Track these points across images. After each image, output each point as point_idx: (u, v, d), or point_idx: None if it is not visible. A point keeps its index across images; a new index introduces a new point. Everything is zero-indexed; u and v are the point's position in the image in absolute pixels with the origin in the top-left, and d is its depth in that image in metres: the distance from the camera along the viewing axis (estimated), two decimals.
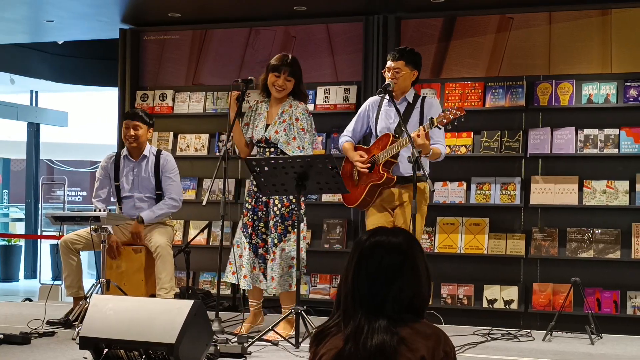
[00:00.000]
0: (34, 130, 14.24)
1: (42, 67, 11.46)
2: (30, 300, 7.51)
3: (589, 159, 6.64)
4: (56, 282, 6.48)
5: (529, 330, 5.52)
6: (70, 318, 5.41)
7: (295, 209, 5.16)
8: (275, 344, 4.81)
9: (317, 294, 7.07)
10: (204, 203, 5.41)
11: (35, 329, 5.09)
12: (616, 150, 6.53)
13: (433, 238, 6.86)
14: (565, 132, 6.66)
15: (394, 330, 2.23)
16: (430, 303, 2.40)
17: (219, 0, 7.36)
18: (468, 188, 6.87)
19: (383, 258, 2.31)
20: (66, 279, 5.74)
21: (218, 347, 4.36)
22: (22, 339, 4.75)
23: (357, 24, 7.24)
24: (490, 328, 5.56)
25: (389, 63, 5.32)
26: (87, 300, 5.19)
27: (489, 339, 5.29)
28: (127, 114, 6.18)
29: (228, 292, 7.16)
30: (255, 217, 5.37)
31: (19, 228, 16.25)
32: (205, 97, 7.66)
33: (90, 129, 19.24)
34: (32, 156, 14.13)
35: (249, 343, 4.62)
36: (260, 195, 5.29)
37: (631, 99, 6.53)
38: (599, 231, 6.55)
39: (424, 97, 5.42)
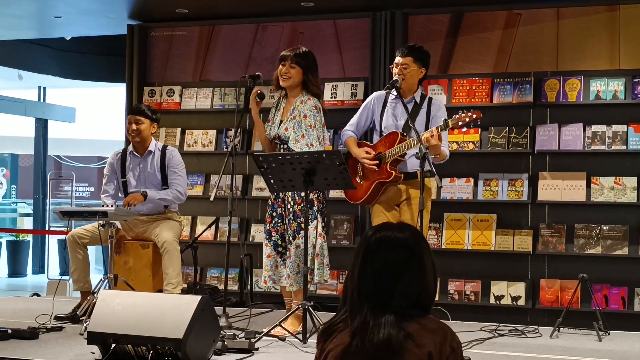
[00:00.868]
0: (41, 126, 14.28)
1: (49, 63, 11.48)
2: (38, 295, 7.54)
3: (597, 156, 6.63)
4: (64, 278, 6.50)
5: (536, 327, 5.51)
6: (77, 313, 5.43)
7: (304, 206, 5.18)
8: (283, 339, 4.82)
9: (324, 289, 7.08)
10: (211, 199, 5.43)
11: (43, 324, 5.10)
12: (624, 147, 6.51)
13: (440, 234, 6.85)
14: (573, 129, 6.65)
15: (400, 326, 2.23)
16: (437, 299, 2.41)
17: None
18: (475, 184, 6.86)
19: (389, 254, 2.31)
20: (73, 273, 5.76)
21: (225, 343, 4.37)
22: (30, 334, 4.77)
23: (365, 20, 7.24)
24: (497, 324, 5.56)
25: (397, 59, 5.31)
26: (95, 295, 5.20)
27: (496, 335, 5.29)
28: (131, 109, 6.20)
29: (235, 287, 7.18)
30: (274, 214, 5.38)
31: (27, 223, 16.30)
32: (213, 93, 7.67)
33: (98, 125, 19.28)
34: (39, 152, 14.16)
35: (257, 339, 4.63)
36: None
37: (639, 95, 6.51)
38: (607, 227, 6.53)
39: (430, 98, 5.41)
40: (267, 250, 5.41)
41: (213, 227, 7.40)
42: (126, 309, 4.06)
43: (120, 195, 6.15)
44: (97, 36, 9.77)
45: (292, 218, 5.25)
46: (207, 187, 7.62)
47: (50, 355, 4.29)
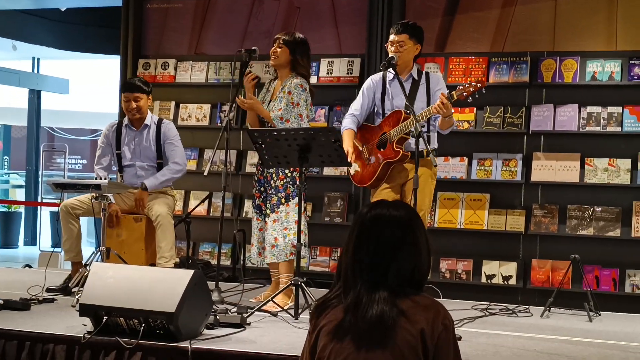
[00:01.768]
0: (35, 97, 14.22)
1: (44, 34, 11.42)
2: (30, 267, 7.53)
3: (592, 137, 6.62)
4: (56, 250, 6.48)
5: (527, 306, 5.52)
6: (69, 285, 5.42)
7: (291, 182, 5.28)
8: (275, 314, 4.83)
9: (316, 266, 7.09)
10: (205, 174, 5.42)
11: (35, 295, 5.10)
12: (619, 128, 6.51)
13: (433, 213, 6.85)
14: (568, 109, 6.64)
15: (393, 302, 2.24)
16: (429, 277, 2.41)
17: None
18: (469, 163, 6.86)
19: (384, 231, 2.31)
20: (65, 243, 5.75)
21: (217, 317, 4.37)
22: (22, 305, 4.76)
23: None
24: (488, 303, 5.57)
25: (392, 37, 5.29)
26: (87, 267, 5.20)
27: (487, 313, 5.30)
28: (125, 85, 6.10)
29: (228, 262, 7.18)
30: (262, 189, 5.44)
31: (19, 195, 16.29)
32: (208, 67, 7.63)
33: (92, 97, 19.20)
34: (33, 123, 14.12)
35: (249, 313, 4.63)
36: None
37: (635, 77, 6.50)
38: (600, 209, 6.54)
39: (427, 73, 5.40)
40: (258, 224, 5.45)
41: (206, 202, 7.40)
42: (118, 282, 4.05)
43: (114, 167, 6.13)
44: (92, 7, 9.71)
45: (274, 192, 5.31)
46: (200, 161, 7.60)
47: (42, 326, 4.28)
